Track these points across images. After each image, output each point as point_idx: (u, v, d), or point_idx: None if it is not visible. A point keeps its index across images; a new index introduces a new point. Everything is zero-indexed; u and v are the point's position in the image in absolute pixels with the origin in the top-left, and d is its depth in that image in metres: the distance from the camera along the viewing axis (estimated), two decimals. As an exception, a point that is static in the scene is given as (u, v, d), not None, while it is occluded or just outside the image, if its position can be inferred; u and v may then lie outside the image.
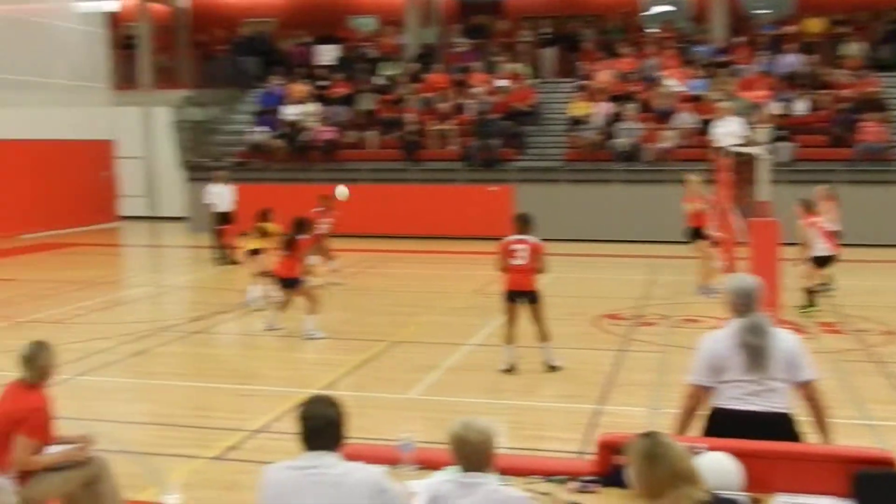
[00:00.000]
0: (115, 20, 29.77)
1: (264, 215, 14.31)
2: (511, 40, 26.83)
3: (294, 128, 24.53)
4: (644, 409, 8.63)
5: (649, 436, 3.64)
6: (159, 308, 15.13)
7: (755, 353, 5.01)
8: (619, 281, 16.40)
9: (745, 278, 5.43)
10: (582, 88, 24.30)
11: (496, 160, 22.95)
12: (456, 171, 22.97)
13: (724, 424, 5.01)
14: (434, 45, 27.69)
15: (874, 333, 11.87)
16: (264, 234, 13.92)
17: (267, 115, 25.34)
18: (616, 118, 23.02)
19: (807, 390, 5.10)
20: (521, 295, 10.03)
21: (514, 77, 24.96)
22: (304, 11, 29.30)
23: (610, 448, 4.77)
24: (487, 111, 23.84)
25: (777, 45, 24.76)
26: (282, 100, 25.65)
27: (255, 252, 14.03)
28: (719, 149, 18.48)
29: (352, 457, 4.10)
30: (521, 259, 9.93)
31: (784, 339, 5.10)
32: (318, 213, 15.78)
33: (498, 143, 23.05)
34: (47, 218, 24.42)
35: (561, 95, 25.09)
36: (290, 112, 24.95)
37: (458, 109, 24.45)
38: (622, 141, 22.31)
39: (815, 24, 25.27)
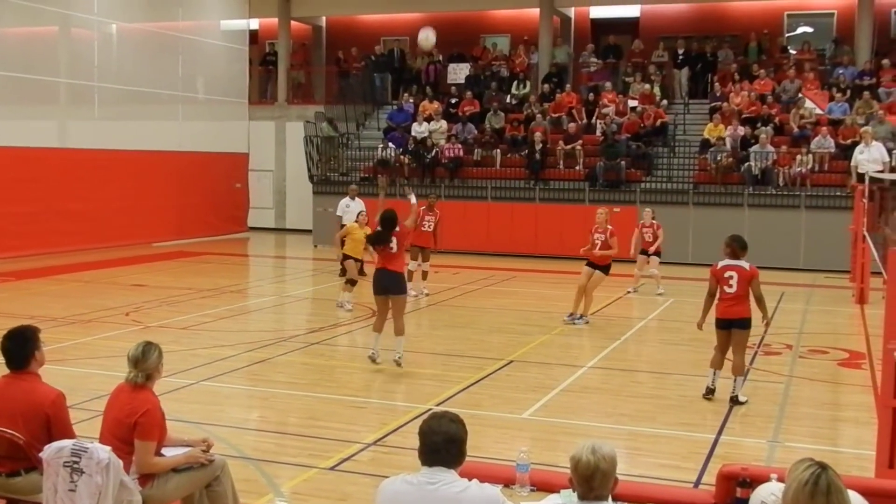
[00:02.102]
0: (256, 37, 30.84)
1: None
2: (644, 60, 26.51)
3: (422, 144, 24.84)
4: (763, 442, 8.36)
5: (822, 467, 3.54)
6: (282, 318, 15.51)
7: None
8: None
9: None
10: (715, 110, 23.80)
11: (622, 181, 22.68)
12: (581, 191, 22.81)
13: None
14: (566, 64, 27.62)
15: None
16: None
17: (396, 132, 25.75)
18: (749, 141, 22.44)
19: None
20: (731, 323, 9.62)
21: (646, 97, 24.66)
22: (437, 30, 29.64)
23: (730, 480, 4.64)
24: (616, 132, 23.60)
25: (923, 67, 23.74)
26: (412, 117, 26.03)
27: (346, 258, 14.70)
28: (860, 175, 17.87)
29: (468, 474, 4.10)
30: (732, 287, 9.54)
31: None
32: (423, 211, 15.99)
33: (625, 164, 22.78)
34: (181, 227, 25.42)
35: (693, 117, 24.67)
36: (418, 129, 25.30)
37: (587, 130, 24.30)
38: (754, 164, 21.72)
39: (967, 46, 24.11)
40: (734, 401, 9.62)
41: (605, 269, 14.09)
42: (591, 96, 25.47)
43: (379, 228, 10.97)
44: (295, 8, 29.99)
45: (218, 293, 16.76)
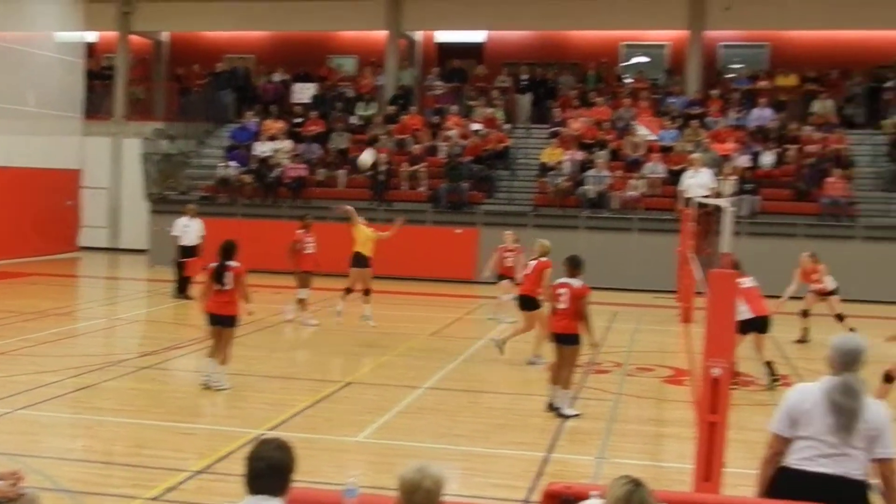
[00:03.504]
0: (93, 50, 29.75)
1: None
2: (488, 85, 27.01)
3: (264, 164, 24.51)
4: (591, 458, 8.57)
5: (637, 484, 3.65)
6: (111, 342, 14.93)
7: (842, 414, 4.82)
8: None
9: (852, 338, 5.16)
10: (555, 135, 24.46)
11: (464, 203, 23.00)
12: (424, 212, 22.98)
13: (793, 485, 4.86)
14: (411, 87, 27.84)
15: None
16: None
17: (238, 151, 25.32)
18: (586, 166, 23.17)
19: (883, 468, 4.84)
20: (558, 338, 10.04)
21: (489, 121, 25.12)
22: (283, 49, 29.41)
23: (555, 498, 4.71)
24: (459, 154, 23.93)
25: (750, 99, 25.07)
26: (255, 136, 25.67)
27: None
28: (687, 199, 18.68)
29: (296, 502, 4.02)
30: (563, 303, 9.92)
31: (872, 409, 4.88)
32: (300, 234, 15.69)
33: (467, 187, 23.12)
34: (6, 246, 24.10)
35: (534, 141, 25.27)
36: (261, 148, 24.95)
37: (431, 151, 24.54)
38: (590, 188, 22.43)
39: (787, 81, 25.62)
40: (558, 413, 9.89)
41: None
42: (436, 119, 25.75)
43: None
44: (135, 22, 29.10)
45: (42, 316, 15.98)
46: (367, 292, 14.67)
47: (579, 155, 23.38)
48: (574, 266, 10.11)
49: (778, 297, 13.96)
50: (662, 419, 10.26)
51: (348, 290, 14.76)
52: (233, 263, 10.78)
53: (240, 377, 11.26)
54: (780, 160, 23.02)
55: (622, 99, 25.47)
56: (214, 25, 29.45)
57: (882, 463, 4.81)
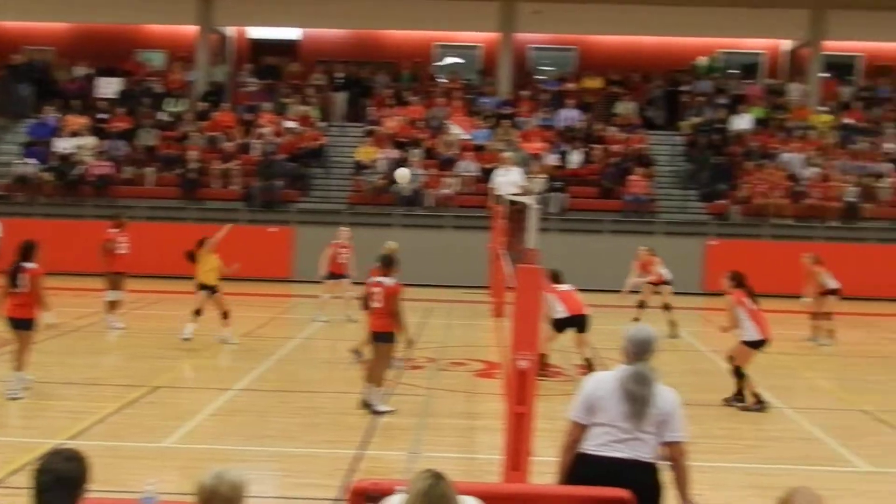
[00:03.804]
0: None
1: None
2: (302, 83, 26.76)
3: (66, 161, 23.39)
4: (404, 454, 8.64)
5: (437, 478, 3.66)
6: None
7: (635, 401, 5.01)
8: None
9: (644, 328, 5.36)
10: (370, 133, 24.52)
11: (278, 201, 22.72)
12: (237, 210, 22.54)
13: (589, 470, 5.02)
14: (223, 83, 27.23)
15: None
16: None
17: (37, 147, 24.04)
18: (400, 164, 23.32)
19: (672, 451, 5.09)
20: (374, 336, 10.08)
21: (303, 119, 24.90)
22: (86, 41, 28.11)
23: (360, 495, 4.70)
24: (273, 152, 23.61)
25: (558, 100, 25.93)
26: (55, 132, 24.44)
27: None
28: (498, 196, 19.11)
29: None
30: (377, 302, 9.94)
31: (663, 396, 5.10)
32: (113, 233, 14.93)
33: (281, 185, 22.84)
34: None
35: (349, 139, 25.24)
36: (62, 145, 23.80)
37: (244, 149, 24.10)
38: (404, 186, 22.62)
39: (593, 83, 26.65)
40: (371, 410, 9.95)
41: None
42: (249, 116, 25.31)
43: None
44: (-78, 10, 27.15)
45: None
46: (224, 315, 13.97)
47: (394, 153, 23.54)
48: (387, 265, 10.20)
49: (590, 290, 14.52)
50: (474, 412, 10.45)
51: (198, 312, 13.92)
52: (29, 265, 10.23)
53: (38, 385, 10.69)
54: (587, 159, 23.93)
55: (436, 98, 25.81)
56: (10, 15, 27.80)
57: (671, 446, 5.07)
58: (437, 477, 3.72)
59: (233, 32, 28.65)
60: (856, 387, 12.21)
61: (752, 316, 10.59)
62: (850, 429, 10.03)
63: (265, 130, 24.30)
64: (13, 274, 10.21)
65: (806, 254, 15.76)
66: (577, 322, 12.13)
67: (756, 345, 10.62)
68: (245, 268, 21.41)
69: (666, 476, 5.12)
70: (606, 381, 5.15)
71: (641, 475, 4.97)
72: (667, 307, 15.70)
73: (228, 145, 24.01)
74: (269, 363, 12.81)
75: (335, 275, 16.11)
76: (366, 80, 26.91)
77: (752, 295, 10.72)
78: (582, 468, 5.07)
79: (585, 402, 5.13)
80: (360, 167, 23.52)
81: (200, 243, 13.90)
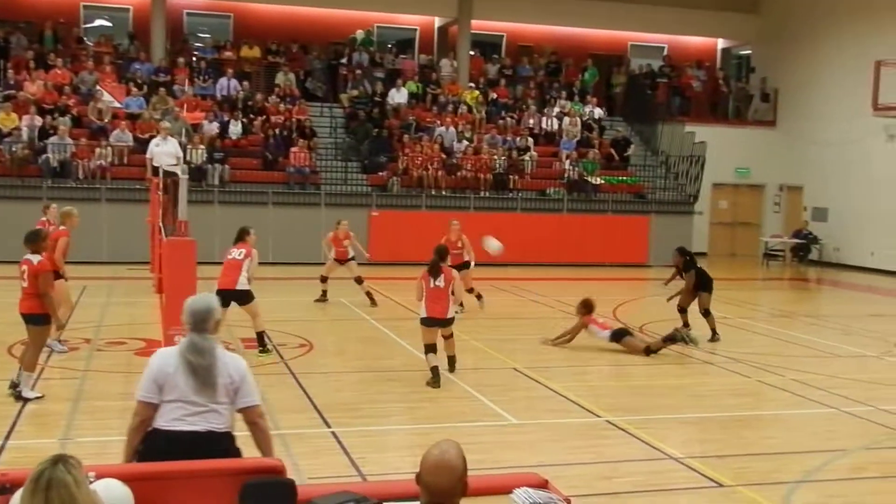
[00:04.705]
0: None
1: None
2: (-77, 41, 24.04)
3: None
4: (55, 441, 8.11)
5: (52, 461, 3.38)
6: None
7: (199, 373, 4.92)
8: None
9: (200, 298, 5.22)
10: (8, 98, 22.54)
11: None
12: None
13: (162, 446, 4.85)
14: None
15: (292, 346, 12.54)
16: None
17: None
18: (46, 132, 21.73)
19: (249, 415, 5.07)
20: (24, 318, 9.45)
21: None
22: None
23: (-3, 488, 4.31)
24: None
25: (216, 68, 25.31)
26: None
27: None
28: (154, 168, 18.38)
29: None
30: (24, 281, 9.31)
31: (230, 364, 5.05)
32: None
33: None
34: None
35: (-15, 104, 23.05)
36: None
37: None
38: (52, 157, 21.11)
39: (251, 52, 26.27)
40: (18, 396, 9.35)
41: None
42: None
43: None
44: None
45: None
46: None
47: (38, 121, 21.84)
48: (33, 241, 9.54)
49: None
50: (131, 392, 9.97)
51: None
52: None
53: None
54: (247, 130, 23.62)
55: (84, 63, 24.24)
56: None
57: (247, 410, 5.08)
58: (55, 461, 3.48)
59: None
60: (506, 347, 13.09)
61: (427, 295, 10.63)
62: (501, 385, 10.76)
63: None
64: None
65: (453, 221, 15.93)
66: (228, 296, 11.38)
67: (425, 322, 10.72)
68: None
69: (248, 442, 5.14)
70: (171, 355, 5.06)
71: (216, 445, 4.96)
72: (359, 280, 16.03)
73: None
74: None
75: None
76: (2, 40, 24.68)
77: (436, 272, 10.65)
78: (154, 443, 4.95)
79: (153, 380, 4.99)
80: (0, 136, 21.60)
81: None
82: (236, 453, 5.06)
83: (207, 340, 5.04)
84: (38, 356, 9.69)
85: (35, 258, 9.41)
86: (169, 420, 4.93)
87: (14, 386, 9.47)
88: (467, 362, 11.66)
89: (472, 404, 9.94)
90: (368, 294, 16.00)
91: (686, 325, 13.87)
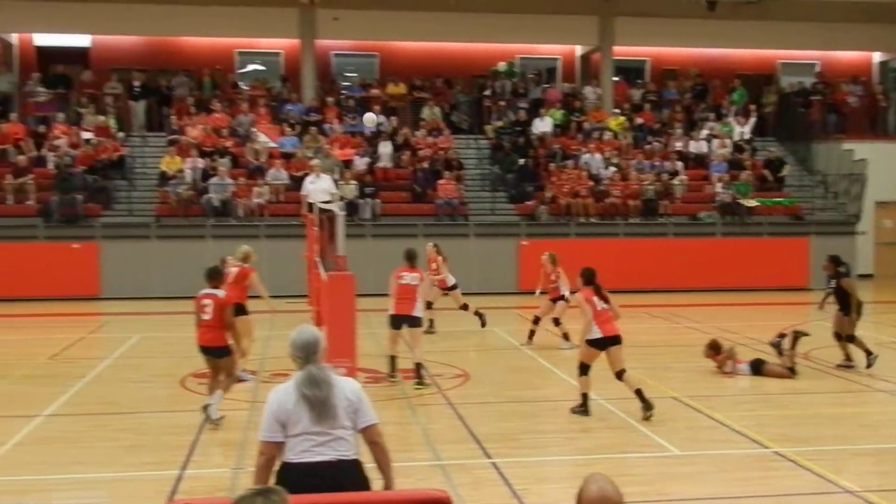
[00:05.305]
0: None
1: None
2: (97, 92, 25.63)
3: None
4: (228, 471, 8.44)
5: (263, 494, 3.56)
6: None
7: (317, 404, 5.02)
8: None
9: (304, 330, 5.33)
10: (173, 143, 23.80)
11: (79, 216, 21.69)
12: (35, 227, 21.39)
13: (295, 479, 4.93)
14: (10, 93, 25.71)
15: (448, 377, 12.66)
16: None
17: None
18: (208, 173, 22.79)
19: (369, 434, 5.17)
20: (207, 350, 9.93)
21: (100, 130, 23.87)
22: None
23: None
24: (70, 165, 22.51)
25: (363, 106, 25.99)
26: None
27: None
28: (310, 204, 18.97)
29: None
30: (207, 314, 9.78)
31: (346, 388, 5.15)
32: None
33: (81, 199, 21.81)
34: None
35: (151, 150, 24.45)
36: None
37: (37, 162, 22.87)
38: (214, 196, 22.11)
39: (396, 89, 26.88)
40: (205, 410, 9.93)
41: None
42: (41, 127, 24.03)
43: None
44: None
45: None
46: None
47: (200, 162, 22.95)
48: (216, 276, 10.11)
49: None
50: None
51: None
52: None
53: None
54: (397, 164, 24.13)
55: (240, 106, 25.34)
56: None
57: (366, 430, 5.16)
58: (267, 493, 3.63)
59: (16, 39, 27.08)
60: (663, 375, 12.85)
61: (595, 315, 10.28)
62: (660, 414, 10.56)
63: (60, 142, 23.15)
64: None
65: (546, 253, 15.40)
66: (404, 321, 12.15)
67: (597, 343, 10.34)
68: (48, 286, 20.54)
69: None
70: (288, 391, 5.12)
71: (347, 473, 5.03)
72: (465, 307, 16.10)
73: (20, 159, 22.71)
74: (80, 385, 12.20)
75: None
76: (165, 88, 26.10)
77: (600, 292, 10.40)
78: (287, 477, 5.01)
79: (275, 419, 5.08)
80: (165, 178, 22.77)
81: None
82: (366, 481, 5.14)
83: (322, 370, 5.11)
84: (231, 382, 10.20)
85: (219, 292, 9.93)
86: (297, 453, 5.02)
87: (224, 418, 10.01)
88: (623, 391, 11.50)
89: (632, 435, 9.78)
90: (478, 314, 16.11)
91: (868, 352, 13.03)
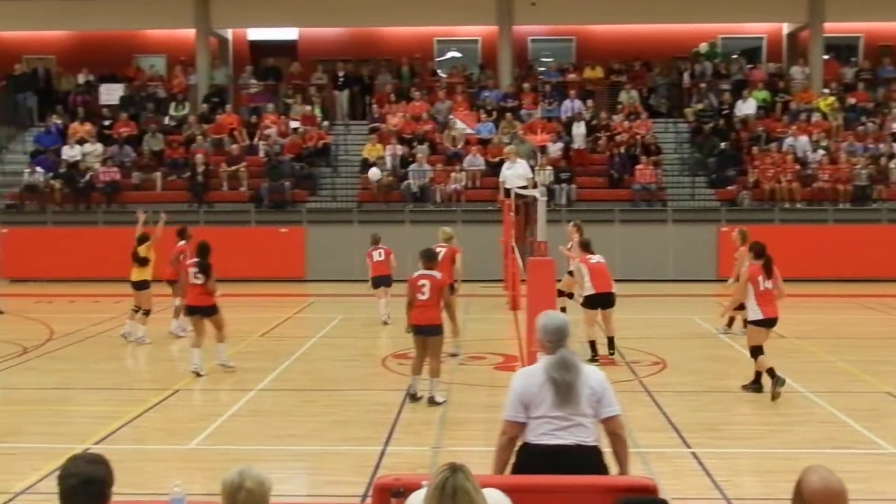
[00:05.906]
0: None
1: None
2: (304, 83, 26.76)
3: (74, 168, 23.45)
4: (427, 449, 8.66)
5: (453, 470, 3.66)
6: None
7: (563, 388, 5.08)
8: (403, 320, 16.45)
9: (554, 316, 5.41)
10: (374, 131, 24.52)
11: (287, 202, 22.74)
12: (246, 212, 22.60)
13: (534, 460, 5.06)
14: (225, 85, 27.24)
15: (645, 364, 12.48)
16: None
17: (44, 156, 24.09)
18: (407, 160, 23.36)
19: (611, 425, 5.19)
20: (422, 329, 10.24)
21: (307, 119, 24.91)
22: (86, 49, 28.10)
23: (385, 491, 4.70)
24: (279, 153, 23.63)
25: (560, 91, 25.90)
26: (61, 139, 24.50)
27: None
28: (506, 190, 19.12)
29: None
30: (424, 294, 10.12)
31: (591, 376, 5.19)
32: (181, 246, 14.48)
33: (289, 185, 22.86)
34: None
35: (353, 137, 25.28)
36: (69, 152, 23.86)
37: (249, 151, 24.13)
38: (413, 182, 22.65)
39: (594, 73, 26.62)
40: (432, 401, 10.18)
41: None
42: (253, 118, 25.33)
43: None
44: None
45: None
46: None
47: (400, 150, 23.56)
48: (430, 258, 10.47)
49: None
50: (495, 405, 10.40)
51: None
52: None
53: (63, 391, 10.76)
54: (593, 149, 23.91)
55: (438, 93, 25.80)
56: (10, 25, 27.79)
57: (608, 420, 5.15)
58: (454, 469, 3.71)
59: (230, 35, 28.63)
60: (878, 369, 12.18)
61: (758, 295, 10.44)
62: (874, 411, 10.02)
63: (270, 131, 24.32)
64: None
65: (736, 230, 14.65)
66: (603, 300, 12.30)
67: (762, 324, 10.52)
68: (259, 268, 21.67)
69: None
70: (534, 374, 5.19)
71: (586, 459, 5.03)
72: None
73: (234, 147, 24.03)
74: (289, 362, 12.84)
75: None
76: (367, 77, 26.91)
77: (769, 268, 10.46)
78: (526, 458, 5.11)
79: (519, 400, 5.15)
80: (366, 165, 23.52)
81: (141, 241, 14.24)
82: (604, 468, 5.14)
83: (573, 356, 5.18)
84: (440, 364, 10.46)
85: (436, 273, 10.26)
86: (538, 435, 5.09)
87: (425, 399, 10.29)
88: (832, 384, 11.01)
89: (841, 430, 9.34)
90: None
91: None
